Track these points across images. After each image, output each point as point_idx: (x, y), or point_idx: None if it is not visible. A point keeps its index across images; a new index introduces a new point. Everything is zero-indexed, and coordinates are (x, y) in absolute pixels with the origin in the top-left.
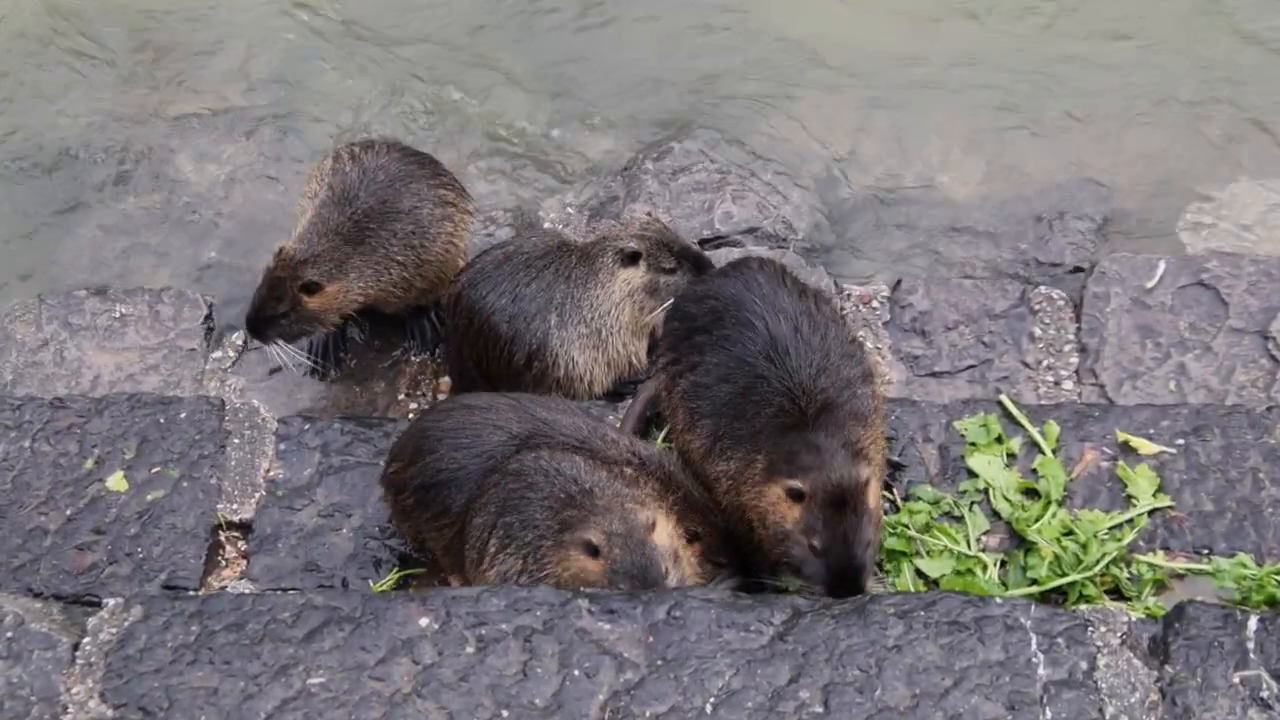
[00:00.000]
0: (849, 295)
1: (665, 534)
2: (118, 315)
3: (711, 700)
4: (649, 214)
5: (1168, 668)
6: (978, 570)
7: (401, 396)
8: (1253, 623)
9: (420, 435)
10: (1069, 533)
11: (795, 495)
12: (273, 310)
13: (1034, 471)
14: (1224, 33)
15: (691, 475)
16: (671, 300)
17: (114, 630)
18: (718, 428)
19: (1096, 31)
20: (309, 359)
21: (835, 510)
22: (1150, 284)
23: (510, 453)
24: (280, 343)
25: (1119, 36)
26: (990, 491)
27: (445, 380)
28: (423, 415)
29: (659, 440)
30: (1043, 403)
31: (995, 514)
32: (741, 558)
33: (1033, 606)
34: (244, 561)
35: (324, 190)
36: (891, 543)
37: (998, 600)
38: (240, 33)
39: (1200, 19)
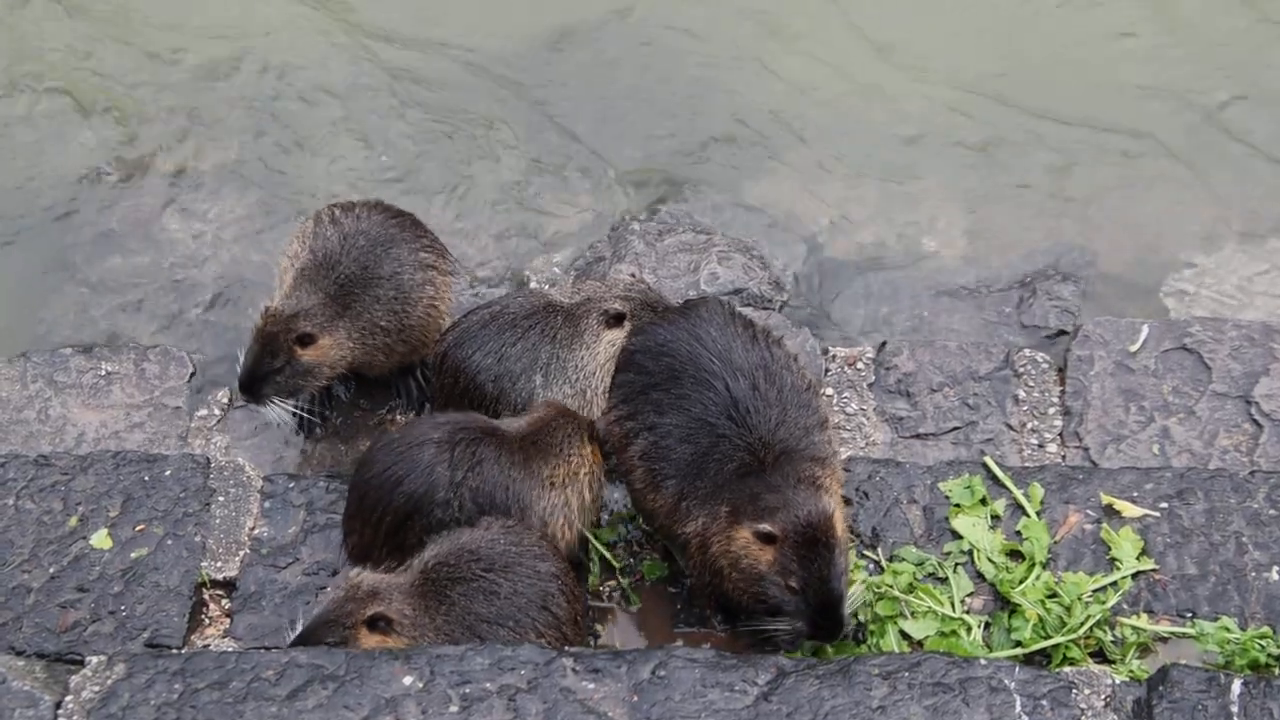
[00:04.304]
0: (834, 357)
1: None
2: (103, 373)
3: None
4: (634, 275)
5: None
6: (962, 632)
7: None
8: (1236, 686)
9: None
10: (1053, 595)
11: (766, 538)
12: (268, 367)
13: (1018, 534)
14: (1208, 102)
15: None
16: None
17: (97, 688)
18: (681, 488)
19: (1081, 97)
20: (296, 412)
21: (808, 548)
22: (1134, 348)
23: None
24: (276, 400)
25: (1104, 102)
26: (975, 553)
27: None
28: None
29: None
30: (1027, 465)
31: (979, 576)
32: None
33: (1017, 668)
34: (228, 620)
35: (305, 253)
36: (876, 604)
37: (982, 662)
38: (228, 94)
39: (1186, 87)
